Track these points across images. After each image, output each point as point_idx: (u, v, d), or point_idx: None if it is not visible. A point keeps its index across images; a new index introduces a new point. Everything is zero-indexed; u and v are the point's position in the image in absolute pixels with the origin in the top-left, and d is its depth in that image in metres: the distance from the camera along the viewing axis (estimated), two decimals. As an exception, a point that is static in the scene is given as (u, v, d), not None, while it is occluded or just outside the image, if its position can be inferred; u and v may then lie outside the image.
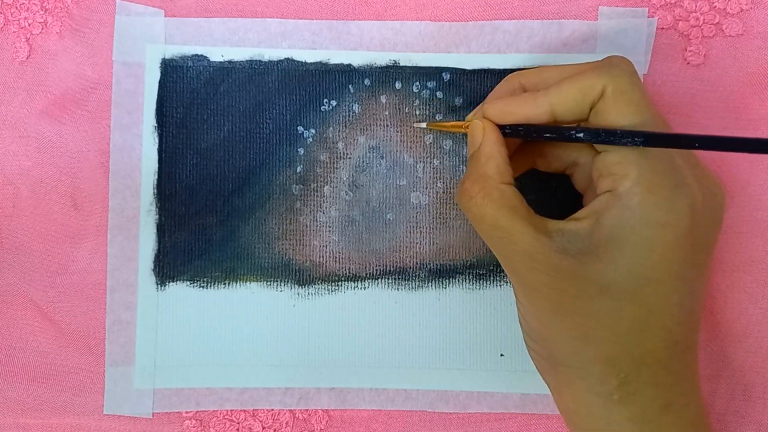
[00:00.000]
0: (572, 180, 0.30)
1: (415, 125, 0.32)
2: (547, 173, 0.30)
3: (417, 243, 0.33)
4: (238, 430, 0.33)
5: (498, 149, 0.27)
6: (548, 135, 0.26)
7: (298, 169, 0.33)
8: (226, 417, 0.33)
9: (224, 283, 0.33)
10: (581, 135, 0.25)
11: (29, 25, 0.33)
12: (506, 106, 0.27)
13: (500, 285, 0.32)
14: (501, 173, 0.26)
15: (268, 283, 0.33)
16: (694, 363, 0.26)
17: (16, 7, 0.33)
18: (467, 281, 0.33)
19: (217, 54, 0.33)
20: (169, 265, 0.33)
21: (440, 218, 0.33)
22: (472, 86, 0.32)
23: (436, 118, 0.33)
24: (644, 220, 0.24)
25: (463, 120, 0.31)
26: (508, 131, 0.27)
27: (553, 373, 0.27)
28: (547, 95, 0.26)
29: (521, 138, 0.27)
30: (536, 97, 0.26)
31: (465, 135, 0.31)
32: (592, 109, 0.25)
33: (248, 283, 0.33)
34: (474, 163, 0.27)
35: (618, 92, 0.24)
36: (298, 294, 0.33)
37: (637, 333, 0.24)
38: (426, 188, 0.33)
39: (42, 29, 0.33)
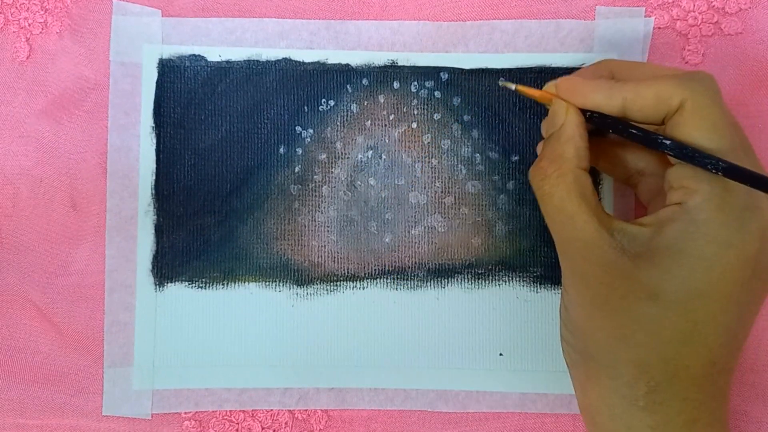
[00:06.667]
0: (636, 191, 0.29)
1: (501, 83, 0.29)
2: None
3: (416, 243, 0.33)
4: (237, 430, 0.33)
5: (580, 132, 0.26)
6: (634, 132, 0.25)
7: (297, 169, 0.33)
8: (225, 417, 0.33)
9: (223, 284, 0.33)
10: (668, 143, 0.24)
11: (29, 25, 0.33)
12: (579, 86, 0.26)
13: (499, 285, 0.32)
14: (579, 157, 0.26)
15: (267, 283, 0.33)
16: (726, 386, 0.26)
17: (16, 7, 0.33)
18: (466, 281, 0.32)
19: (215, 54, 0.33)
20: (168, 266, 0.33)
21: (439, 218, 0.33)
22: (470, 86, 0.32)
23: (434, 117, 0.33)
24: (709, 236, 0.23)
25: (541, 89, 0.28)
26: (596, 117, 0.26)
27: (582, 367, 0.26)
28: (623, 89, 0.25)
29: (602, 128, 0.26)
30: (612, 87, 0.25)
31: (544, 110, 0.29)
32: (669, 121, 0.24)
33: (247, 283, 0.33)
34: (553, 143, 0.26)
35: (697, 108, 0.24)
36: (297, 294, 0.33)
37: (677, 345, 0.24)
38: (424, 188, 0.33)
39: (42, 29, 0.33)
